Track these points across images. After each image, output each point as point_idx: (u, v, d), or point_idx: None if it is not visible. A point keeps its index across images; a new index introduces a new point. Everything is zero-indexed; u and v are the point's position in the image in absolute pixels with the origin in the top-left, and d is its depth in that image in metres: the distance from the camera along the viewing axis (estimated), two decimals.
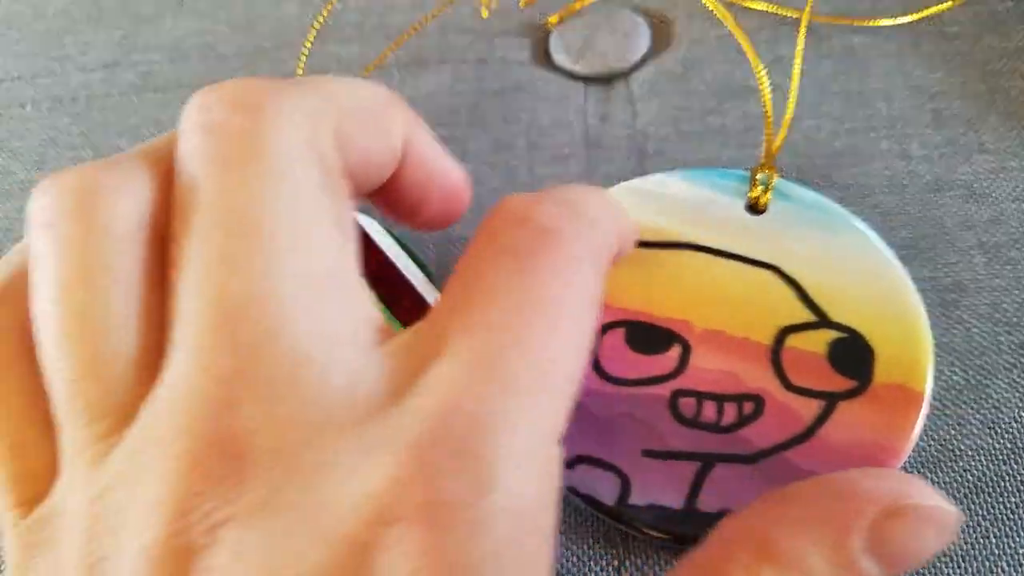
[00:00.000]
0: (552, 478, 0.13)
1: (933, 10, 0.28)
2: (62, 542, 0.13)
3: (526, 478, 0.12)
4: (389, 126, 0.16)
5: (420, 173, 0.17)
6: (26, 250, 0.14)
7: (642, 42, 0.30)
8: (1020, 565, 0.19)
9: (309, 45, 0.27)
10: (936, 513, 0.15)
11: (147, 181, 0.14)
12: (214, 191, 0.13)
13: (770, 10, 0.29)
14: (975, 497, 0.20)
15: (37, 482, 0.14)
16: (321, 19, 0.28)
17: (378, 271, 0.24)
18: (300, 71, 0.27)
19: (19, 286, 0.14)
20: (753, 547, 0.15)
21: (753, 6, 0.29)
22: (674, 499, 0.20)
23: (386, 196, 0.17)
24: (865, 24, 0.29)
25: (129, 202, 0.14)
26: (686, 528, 0.19)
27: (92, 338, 0.13)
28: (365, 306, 0.14)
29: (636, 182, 0.25)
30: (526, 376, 0.13)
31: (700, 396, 0.21)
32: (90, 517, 0.12)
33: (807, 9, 0.27)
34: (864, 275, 0.22)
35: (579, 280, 0.14)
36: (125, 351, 0.13)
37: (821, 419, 0.20)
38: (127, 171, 0.14)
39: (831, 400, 0.21)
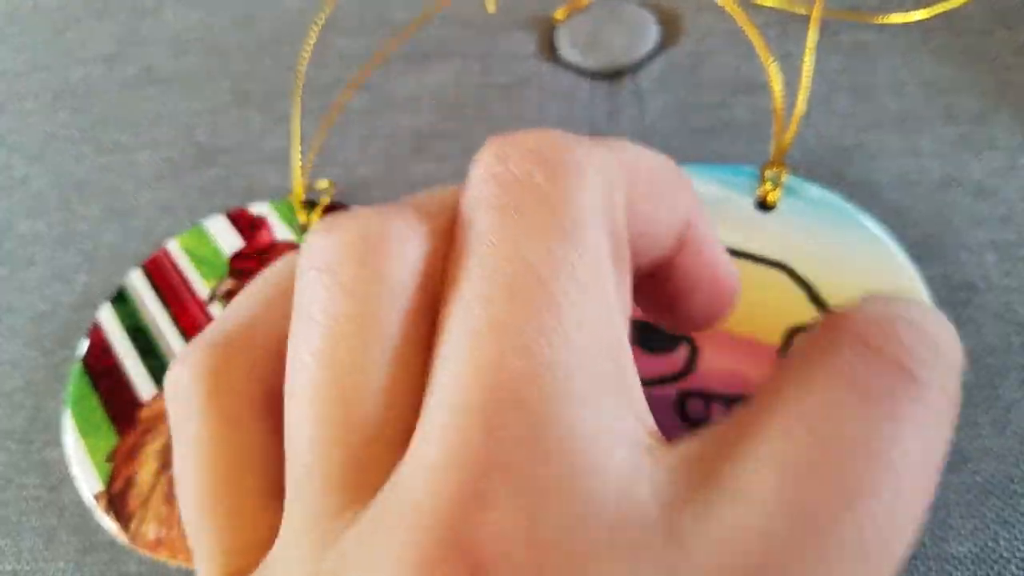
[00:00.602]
0: None
1: (945, 5, 0.28)
2: None
3: None
4: (676, 202, 0.14)
5: (695, 262, 0.15)
6: (271, 286, 0.13)
7: (650, 36, 0.30)
8: None
9: (314, 38, 0.27)
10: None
11: (428, 234, 0.13)
12: (500, 246, 0.12)
13: (780, 6, 0.29)
14: (984, 499, 0.20)
15: (249, 554, 0.12)
16: (325, 12, 0.27)
17: None
18: (302, 66, 0.27)
19: (266, 325, 0.13)
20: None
21: (763, 2, 0.29)
22: None
23: (652, 281, 0.15)
24: (876, 20, 0.28)
25: (414, 254, 0.12)
26: None
27: (350, 402, 0.12)
28: (641, 400, 0.12)
29: None
30: (841, 554, 0.10)
31: (708, 397, 0.21)
32: None
33: (818, 4, 0.26)
34: (875, 274, 0.22)
35: (928, 446, 0.11)
36: (378, 419, 0.12)
37: None
38: (411, 221, 0.13)
39: None
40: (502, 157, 0.13)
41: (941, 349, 0.12)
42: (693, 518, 0.10)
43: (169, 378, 0.13)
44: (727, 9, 0.25)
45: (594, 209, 0.12)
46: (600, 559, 0.10)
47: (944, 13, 0.29)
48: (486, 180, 0.12)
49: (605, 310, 0.12)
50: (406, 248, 0.12)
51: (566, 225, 0.12)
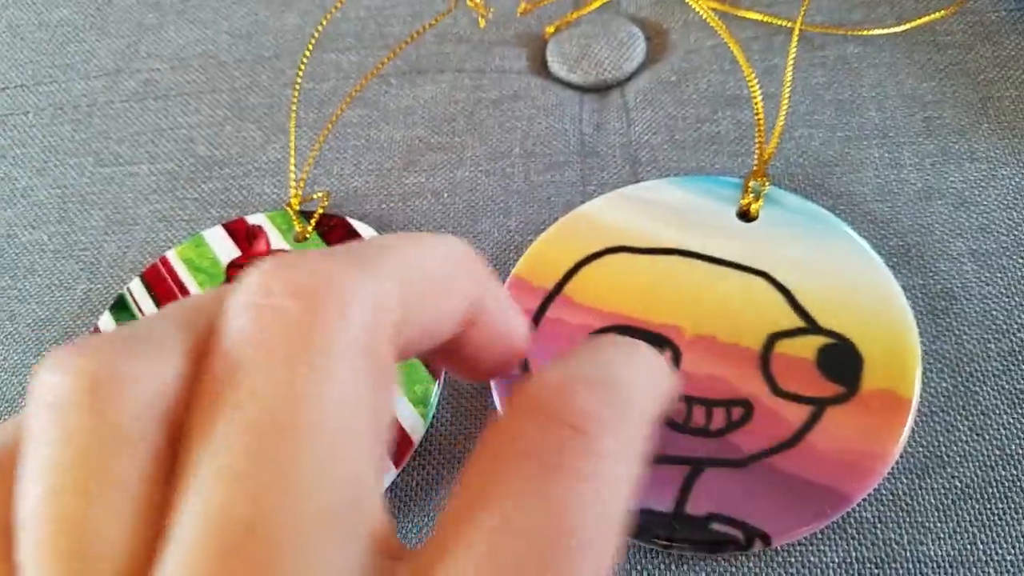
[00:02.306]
0: None
1: (925, 19, 0.28)
2: None
3: None
4: (455, 293, 0.15)
5: (484, 335, 0.16)
6: (20, 423, 0.13)
7: (637, 52, 0.31)
8: (1007, 571, 0.20)
9: (308, 54, 0.27)
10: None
11: (174, 362, 0.12)
12: (248, 386, 0.12)
13: (764, 20, 0.30)
14: (963, 503, 0.20)
15: None
16: (320, 28, 0.28)
17: None
18: (299, 80, 0.27)
19: (6, 463, 0.12)
20: None
21: (747, 16, 0.30)
22: (663, 503, 0.20)
23: (444, 350, 0.16)
24: (858, 33, 0.29)
25: (148, 394, 0.12)
26: (674, 531, 0.20)
27: (78, 550, 0.11)
28: (379, 519, 0.12)
29: (629, 189, 0.26)
30: None
31: (690, 401, 0.21)
32: None
33: (800, 18, 0.27)
34: (854, 282, 0.23)
35: (610, 491, 0.12)
36: (111, 567, 0.11)
37: (809, 424, 0.21)
38: (153, 351, 0.12)
39: (819, 406, 0.21)
40: (265, 289, 0.12)
41: (619, 392, 0.13)
42: None
43: None
44: (710, 23, 0.26)
45: (350, 342, 0.12)
46: None
47: (927, 28, 0.29)
48: (246, 310, 0.12)
49: (352, 449, 0.12)
50: (141, 390, 0.12)
51: (317, 363, 0.12)
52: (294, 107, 0.27)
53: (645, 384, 0.14)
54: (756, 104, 0.25)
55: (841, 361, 0.22)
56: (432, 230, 0.27)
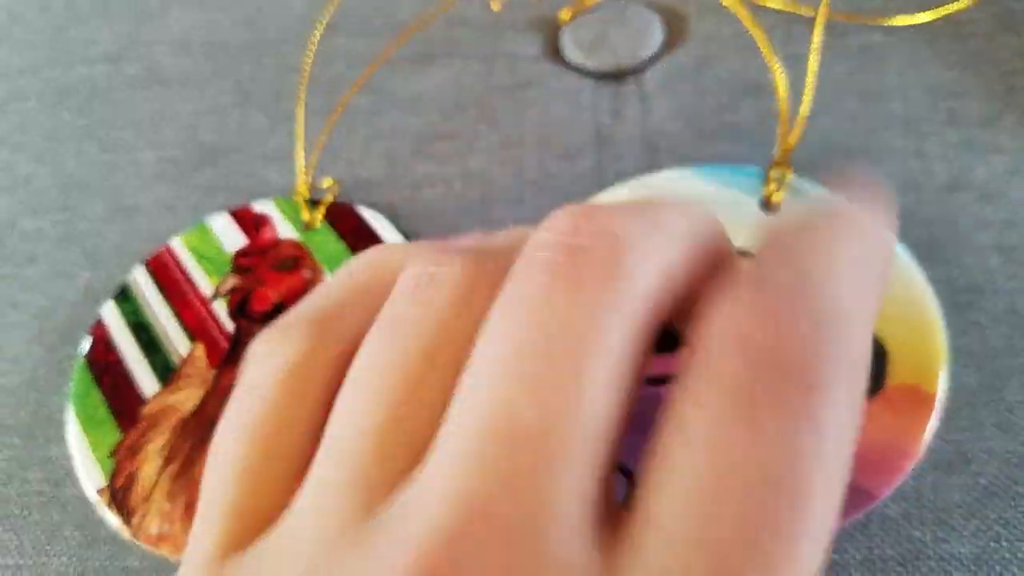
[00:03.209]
0: None
1: (950, 8, 0.28)
2: None
3: None
4: (714, 263, 0.15)
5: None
6: (358, 281, 0.16)
7: (655, 38, 0.31)
8: None
9: (318, 38, 0.27)
10: None
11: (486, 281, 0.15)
12: (549, 306, 0.13)
13: (785, 8, 0.29)
14: (987, 501, 0.20)
15: (255, 522, 0.14)
16: (328, 12, 0.28)
17: None
18: (307, 66, 0.27)
19: (351, 318, 0.15)
20: None
21: (768, 4, 0.30)
22: None
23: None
24: (881, 23, 0.29)
25: (469, 304, 0.14)
26: None
27: (399, 421, 0.13)
28: (610, 480, 0.13)
29: (647, 178, 0.26)
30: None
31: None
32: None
33: (823, 5, 0.27)
34: None
35: (835, 434, 0.12)
36: (409, 441, 0.13)
37: None
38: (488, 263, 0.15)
39: None
40: (575, 229, 0.13)
41: (839, 333, 0.12)
42: (625, 562, 0.12)
43: (261, 341, 0.15)
44: (732, 10, 0.26)
45: (646, 295, 0.13)
46: None
47: (950, 18, 0.29)
48: (551, 243, 0.13)
49: (620, 387, 0.13)
50: (457, 298, 0.14)
51: (617, 304, 0.13)
52: (302, 93, 0.27)
53: (862, 286, 0.13)
54: (780, 92, 0.25)
55: None
56: (444, 220, 0.27)
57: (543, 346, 0.12)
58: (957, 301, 0.23)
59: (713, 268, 0.15)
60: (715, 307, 0.13)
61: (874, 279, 0.14)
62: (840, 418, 0.12)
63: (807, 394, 0.12)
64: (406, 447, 0.13)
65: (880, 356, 0.21)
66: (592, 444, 0.12)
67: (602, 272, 0.13)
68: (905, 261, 0.23)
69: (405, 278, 0.15)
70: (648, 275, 0.13)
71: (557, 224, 0.14)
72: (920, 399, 0.21)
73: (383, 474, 0.13)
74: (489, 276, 0.14)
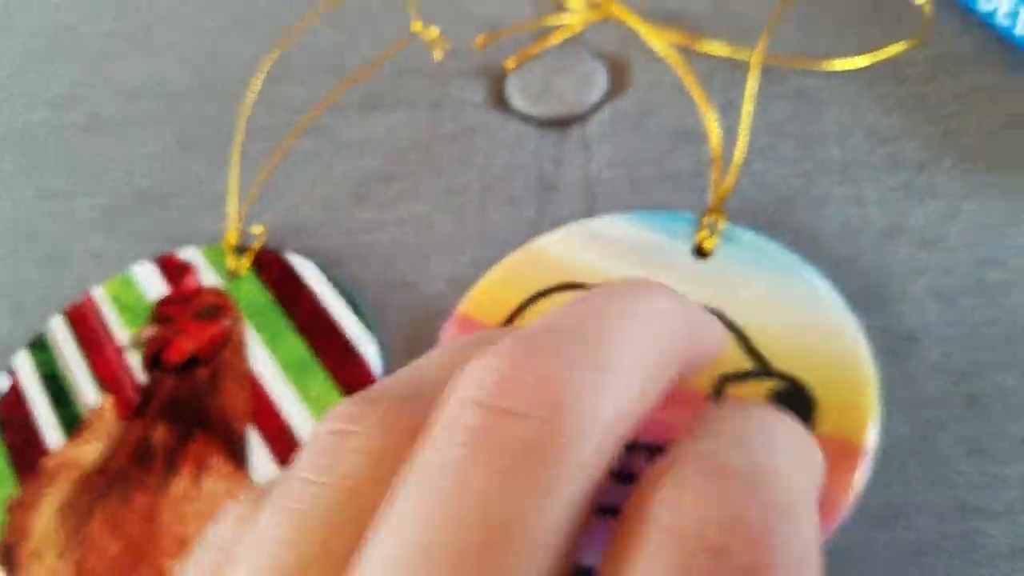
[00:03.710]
0: None
1: (888, 52, 0.28)
2: None
3: None
4: (681, 358, 0.14)
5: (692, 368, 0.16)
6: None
7: (599, 85, 0.31)
8: None
9: (259, 85, 0.27)
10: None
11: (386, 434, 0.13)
12: (449, 498, 0.11)
13: (724, 54, 0.29)
14: (917, 557, 0.20)
15: None
16: (272, 59, 0.28)
17: (310, 317, 0.24)
18: (246, 111, 0.27)
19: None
20: None
21: (708, 50, 0.29)
22: (596, 556, 0.19)
23: None
24: (820, 67, 0.29)
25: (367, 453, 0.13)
26: None
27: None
28: None
29: (583, 223, 0.25)
30: None
31: (631, 447, 0.21)
32: None
33: (758, 51, 0.27)
34: (811, 323, 0.22)
35: None
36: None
37: None
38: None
39: None
40: (504, 386, 0.12)
41: (791, 531, 0.11)
42: None
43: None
44: (668, 59, 0.25)
45: (581, 466, 0.12)
46: None
47: (889, 61, 0.29)
48: (481, 406, 0.12)
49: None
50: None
51: (548, 488, 0.11)
52: (238, 138, 0.27)
53: (804, 474, 0.13)
54: (713, 139, 0.25)
55: (794, 406, 0.21)
56: (380, 267, 0.26)
57: (452, 540, 0.11)
58: (893, 349, 0.23)
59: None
60: (658, 490, 0.12)
61: (814, 483, 0.13)
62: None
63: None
64: None
65: (808, 406, 0.21)
66: None
67: (532, 449, 0.11)
68: (840, 309, 0.22)
69: (315, 435, 0.13)
70: (592, 439, 0.12)
71: (485, 376, 0.12)
72: (848, 451, 0.20)
73: None
74: (406, 432, 0.13)
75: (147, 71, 0.33)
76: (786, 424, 0.14)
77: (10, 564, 0.20)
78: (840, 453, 0.20)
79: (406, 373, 0.15)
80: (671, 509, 0.11)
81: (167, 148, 0.30)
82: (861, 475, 0.20)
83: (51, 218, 0.29)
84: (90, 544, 0.20)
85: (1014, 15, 0.29)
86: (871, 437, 0.20)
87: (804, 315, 0.22)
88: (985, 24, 0.30)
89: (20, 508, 0.20)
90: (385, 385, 0.14)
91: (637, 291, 0.14)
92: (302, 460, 0.13)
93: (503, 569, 0.10)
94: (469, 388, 0.12)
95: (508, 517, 0.11)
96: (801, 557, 0.11)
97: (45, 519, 0.20)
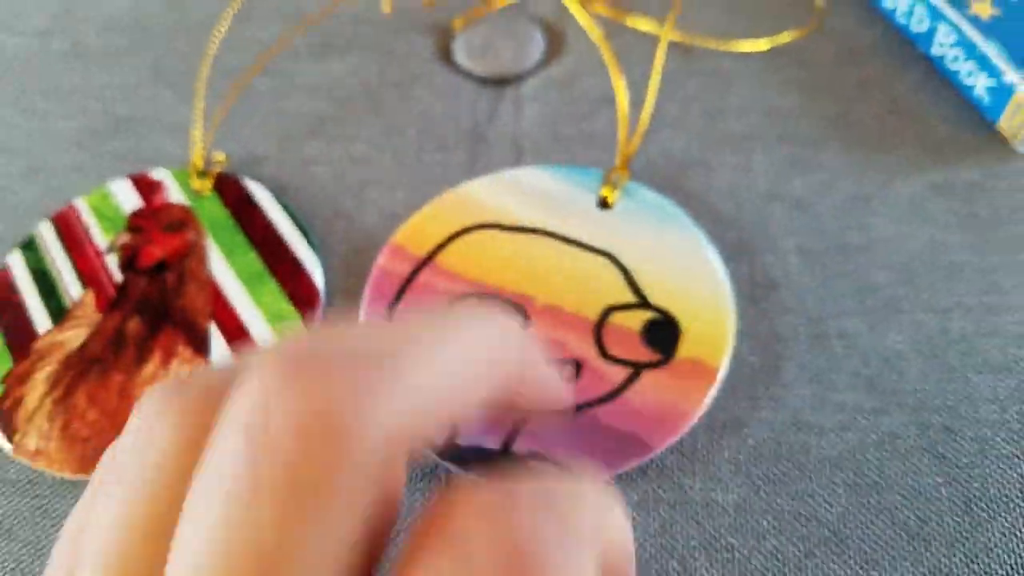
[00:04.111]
0: None
1: (786, 37, 0.32)
2: None
3: None
4: (485, 384, 0.14)
5: (521, 400, 0.15)
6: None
7: (536, 51, 0.34)
8: (784, 520, 0.23)
9: (225, 26, 0.30)
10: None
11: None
12: (225, 507, 0.11)
13: (646, 29, 0.33)
14: (754, 461, 0.24)
15: None
16: (239, 3, 0.31)
17: (263, 236, 0.27)
18: (212, 49, 0.30)
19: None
20: None
21: (633, 24, 0.33)
22: (493, 441, 0.23)
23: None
24: (725, 48, 0.32)
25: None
26: (496, 466, 0.23)
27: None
28: None
29: (506, 173, 0.29)
30: None
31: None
32: None
33: (667, 27, 0.30)
34: (686, 268, 0.26)
35: None
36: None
37: (627, 383, 0.24)
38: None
39: (637, 369, 0.24)
40: (265, 414, 0.12)
41: (572, 524, 0.12)
42: None
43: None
44: (586, 28, 0.29)
45: (350, 489, 0.11)
46: None
47: (796, 49, 0.33)
48: (244, 432, 0.12)
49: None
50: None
51: (305, 513, 0.11)
52: (203, 72, 0.30)
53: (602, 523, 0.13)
54: (621, 105, 0.28)
55: (663, 333, 0.25)
56: (324, 196, 0.30)
57: (230, 570, 0.11)
58: (754, 294, 0.27)
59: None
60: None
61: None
62: None
63: None
64: None
65: (674, 334, 0.25)
66: None
67: (298, 480, 0.11)
68: (713, 258, 0.27)
69: (130, 419, 0.14)
70: (361, 462, 0.11)
71: (260, 390, 0.12)
72: (704, 371, 0.24)
73: None
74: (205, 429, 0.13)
75: (127, 6, 0.36)
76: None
77: (7, 427, 0.23)
78: (697, 373, 0.24)
79: (216, 368, 0.15)
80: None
81: (142, 79, 0.33)
82: (712, 391, 0.24)
83: (36, 136, 0.32)
84: (73, 411, 0.23)
85: (910, 13, 0.33)
86: (724, 361, 0.25)
87: (682, 261, 0.26)
88: (886, 20, 0.34)
89: (14, 380, 0.24)
90: (198, 374, 0.14)
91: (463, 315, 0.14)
92: (122, 441, 0.13)
93: None
94: (237, 406, 0.12)
95: (281, 548, 0.11)
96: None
97: (37, 390, 0.24)
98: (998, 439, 0.24)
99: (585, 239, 0.27)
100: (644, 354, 0.25)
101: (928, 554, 0.22)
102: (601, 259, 0.27)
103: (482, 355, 0.14)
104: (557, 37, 0.35)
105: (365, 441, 0.12)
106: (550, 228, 0.27)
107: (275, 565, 0.11)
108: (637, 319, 0.25)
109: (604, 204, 0.28)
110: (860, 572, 0.22)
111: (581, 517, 0.13)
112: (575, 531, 0.12)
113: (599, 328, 0.25)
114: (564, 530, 0.12)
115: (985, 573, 0.22)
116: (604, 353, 0.25)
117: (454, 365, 0.13)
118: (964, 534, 0.22)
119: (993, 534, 0.22)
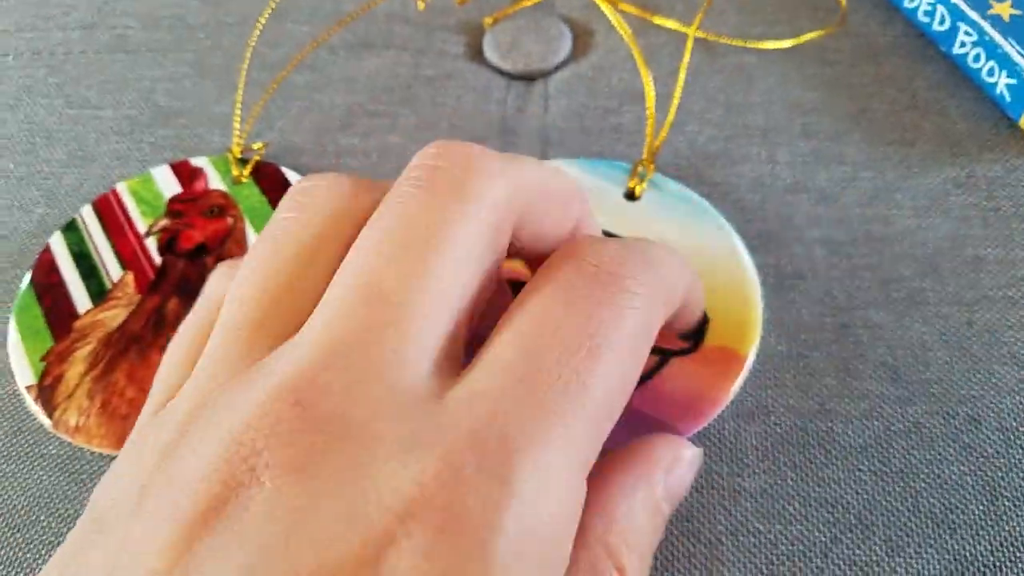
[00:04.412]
0: (573, 505, 0.14)
1: (810, 35, 0.31)
2: (149, 441, 0.15)
3: (545, 501, 0.13)
4: (568, 212, 0.18)
5: (680, 314, 0.20)
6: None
7: (564, 48, 0.34)
8: (810, 505, 0.23)
9: (264, 20, 0.30)
10: (692, 457, 0.19)
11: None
12: (411, 204, 0.16)
13: (672, 27, 0.33)
14: (780, 446, 0.24)
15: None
16: (277, 1, 0.31)
17: None
18: (252, 43, 0.30)
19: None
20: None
21: (660, 23, 0.33)
22: None
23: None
24: (751, 45, 0.32)
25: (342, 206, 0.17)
26: None
27: (270, 288, 0.16)
28: (458, 340, 0.16)
29: None
30: (561, 401, 0.14)
31: None
32: (180, 424, 0.14)
33: (694, 26, 0.30)
34: (713, 257, 0.26)
35: (630, 323, 0.15)
36: (288, 313, 0.16)
37: (656, 369, 0.24)
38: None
39: (665, 356, 0.24)
40: (436, 154, 0.17)
41: (650, 259, 0.17)
42: (455, 386, 0.15)
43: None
44: (615, 24, 0.29)
45: (494, 203, 0.16)
46: (390, 417, 0.14)
47: (817, 46, 0.32)
48: (419, 166, 0.17)
49: (466, 267, 0.16)
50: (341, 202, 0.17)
51: (462, 207, 0.16)
52: (244, 65, 0.30)
53: (674, 271, 0.18)
54: (649, 100, 0.28)
55: None
56: None
57: (404, 233, 0.15)
58: (781, 284, 0.27)
59: (559, 210, 0.18)
60: (562, 246, 0.17)
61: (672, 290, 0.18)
62: (638, 315, 0.16)
63: (616, 292, 0.16)
64: (287, 317, 0.16)
65: (702, 322, 0.25)
66: (439, 309, 0.15)
67: (452, 184, 0.16)
68: (739, 248, 0.26)
69: (290, 190, 0.18)
70: (492, 190, 0.16)
71: (425, 153, 0.17)
72: (732, 359, 0.24)
73: (264, 337, 0.15)
74: (369, 192, 0.18)
75: (168, 3, 0.36)
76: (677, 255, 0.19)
77: (48, 403, 0.23)
78: (725, 360, 0.24)
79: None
80: (568, 247, 0.17)
81: (184, 72, 0.33)
82: (740, 378, 0.24)
83: (81, 124, 0.32)
84: (113, 389, 0.23)
85: (932, 12, 0.33)
86: (752, 350, 0.24)
87: (709, 250, 0.26)
88: (907, 18, 0.34)
89: (55, 358, 0.24)
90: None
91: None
92: (279, 208, 0.18)
93: (433, 254, 0.15)
94: (414, 161, 0.17)
95: (435, 220, 0.15)
96: (648, 290, 0.16)
97: (76, 368, 0.24)
98: (1023, 429, 0.23)
99: (613, 229, 0.27)
100: (672, 342, 0.24)
101: (953, 542, 0.22)
102: None
103: (564, 189, 0.19)
104: (585, 34, 0.34)
105: (500, 181, 0.16)
106: None
107: (432, 231, 0.16)
108: None
109: (631, 196, 0.28)
110: (885, 558, 0.22)
111: (660, 259, 0.17)
112: (654, 265, 0.17)
113: None
114: (646, 262, 0.17)
115: (1011, 561, 0.21)
116: None
117: (549, 184, 0.18)
118: (989, 523, 0.22)
119: (1018, 523, 0.22)
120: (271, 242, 0.17)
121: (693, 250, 0.26)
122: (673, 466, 0.18)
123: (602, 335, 0.15)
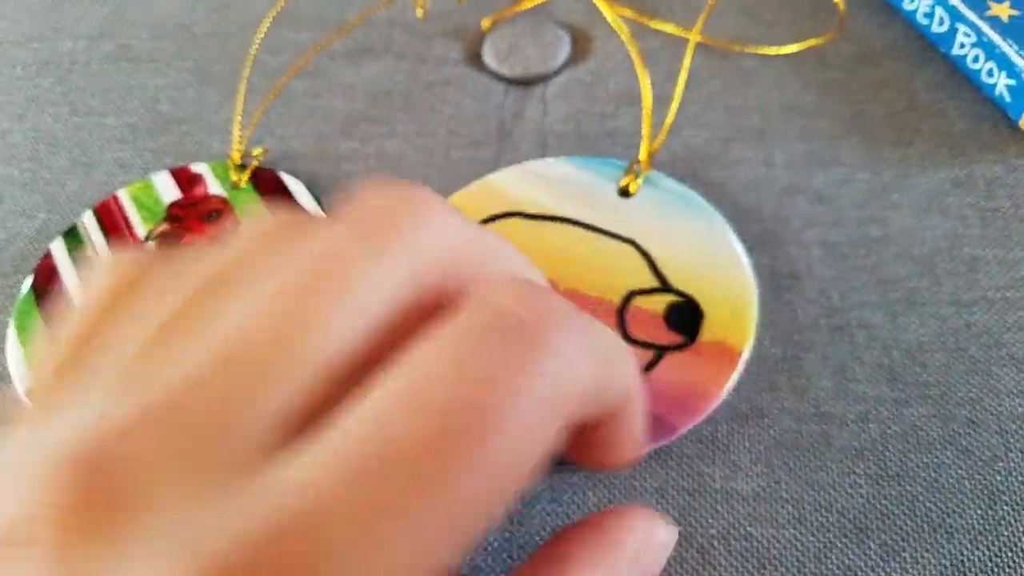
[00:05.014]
0: None
1: (813, 42, 0.30)
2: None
3: None
4: (617, 378, 0.15)
5: (612, 432, 0.16)
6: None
7: (562, 52, 0.33)
8: (804, 509, 0.22)
9: (265, 28, 0.29)
10: (665, 538, 0.17)
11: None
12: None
13: (670, 31, 0.32)
14: (774, 449, 0.22)
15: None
16: (278, 8, 0.30)
17: None
18: (253, 51, 0.29)
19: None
20: None
21: (658, 27, 0.32)
22: None
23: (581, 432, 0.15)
24: (751, 51, 0.31)
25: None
26: None
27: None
28: (315, 398, 0.13)
29: (529, 164, 0.28)
30: (410, 498, 0.10)
31: None
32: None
33: (695, 31, 0.29)
34: (708, 255, 0.25)
35: (543, 388, 0.12)
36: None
37: (650, 365, 0.23)
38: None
39: (660, 351, 0.23)
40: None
41: (582, 322, 0.13)
42: (300, 445, 0.11)
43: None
44: (614, 27, 0.28)
45: (554, 370, 0.12)
46: (203, 479, 0.11)
47: (816, 49, 0.31)
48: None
49: (340, 335, 0.12)
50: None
51: (527, 368, 0.12)
52: (245, 72, 0.29)
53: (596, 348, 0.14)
54: (646, 101, 0.27)
55: (685, 316, 0.24)
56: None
57: (289, 294, 0.12)
58: (776, 284, 0.26)
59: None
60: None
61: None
62: (556, 375, 0.12)
63: (531, 349, 0.12)
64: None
65: (697, 317, 0.24)
66: (295, 371, 0.12)
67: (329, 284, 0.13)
68: (735, 246, 0.25)
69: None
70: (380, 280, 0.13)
71: (253, 233, 0.14)
72: (726, 354, 0.23)
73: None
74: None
75: (173, 11, 0.35)
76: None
77: None
78: (720, 355, 0.23)
79: None
80: (480, 290, 0.13)
81: (185, 79, 0.32)
82: (735, 374, 0.23)
83: (85, 131, 0.31)
84: None
85: (931, 14, 0.31)
86: (747, 345, 0.23)
87: (704, 248, 0.25)
88: (905, 21, 0.32)
89: None
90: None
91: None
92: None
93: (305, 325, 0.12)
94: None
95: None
96: (571, 342, 0.13)
97: None
98: (1022, 433, 0.22)
99: (607, 226, 0.26)
100: (667, 337, 0.23)
101: (951, 547, 0.21)
102: (623, 245, 0.25)
103: (619, 348, 0.15)
104: (583, 39, 0.33)
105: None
106: (573, 216, 0.26)
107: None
108: (660, 302, 0.24)
109: (625, 193, 0.27)
110: (881, 563, 0.21)
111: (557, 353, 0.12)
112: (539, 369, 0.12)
113: (622, 311, 0.24)
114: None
115: (1009, 567, 0.20)
116: (627, 335, 0.23)
117: (608, 342, 0.15)
118: (988, 528, 0.21)
119: (1017, 528, 0.21)
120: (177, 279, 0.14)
121: (688, 245, 0.25)
122: (642, 553, 0.16)
123: (505, 409, 0.11)
